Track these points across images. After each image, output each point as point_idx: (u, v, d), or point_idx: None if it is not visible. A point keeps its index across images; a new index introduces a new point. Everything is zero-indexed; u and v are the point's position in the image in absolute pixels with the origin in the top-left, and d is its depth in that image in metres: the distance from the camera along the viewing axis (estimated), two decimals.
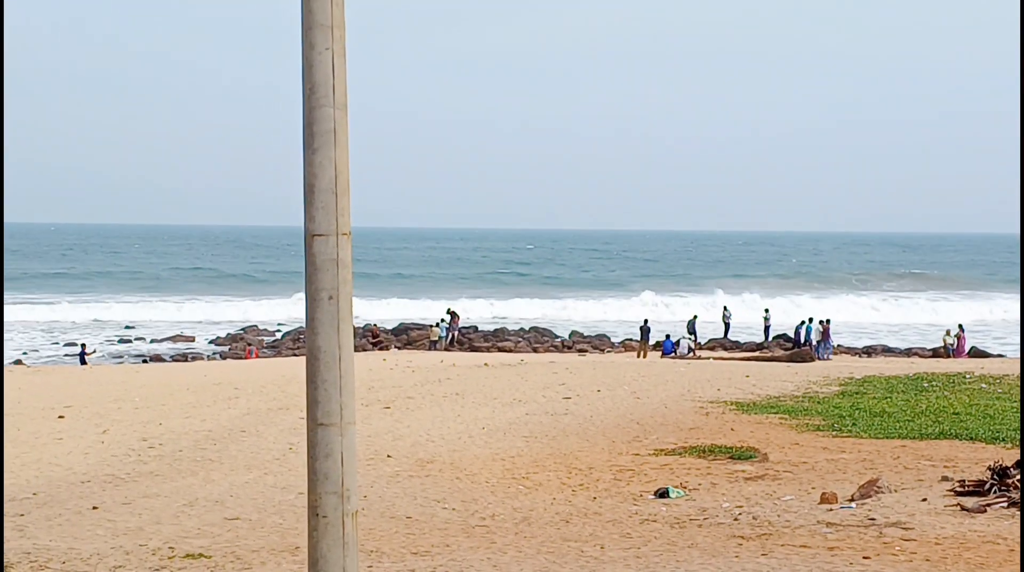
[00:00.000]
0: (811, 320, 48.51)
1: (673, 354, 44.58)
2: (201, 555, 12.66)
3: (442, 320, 54.38)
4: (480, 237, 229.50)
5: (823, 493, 14.89)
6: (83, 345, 46.88)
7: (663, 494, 15.78)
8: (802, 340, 47.02)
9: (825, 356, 44.82)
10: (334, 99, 5.39)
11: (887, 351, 52.17)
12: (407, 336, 54.95)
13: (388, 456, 19.20)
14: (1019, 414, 23.26)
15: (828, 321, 47.52)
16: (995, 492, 14.06)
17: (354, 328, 5.80)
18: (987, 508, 13.49)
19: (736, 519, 13.92)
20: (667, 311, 70.05)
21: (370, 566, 11.86)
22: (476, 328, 58.90)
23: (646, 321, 48.69)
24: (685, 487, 16.35)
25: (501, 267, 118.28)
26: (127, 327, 61.62)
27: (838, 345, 55.04)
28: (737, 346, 53.08)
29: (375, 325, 55.27)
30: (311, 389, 5.65)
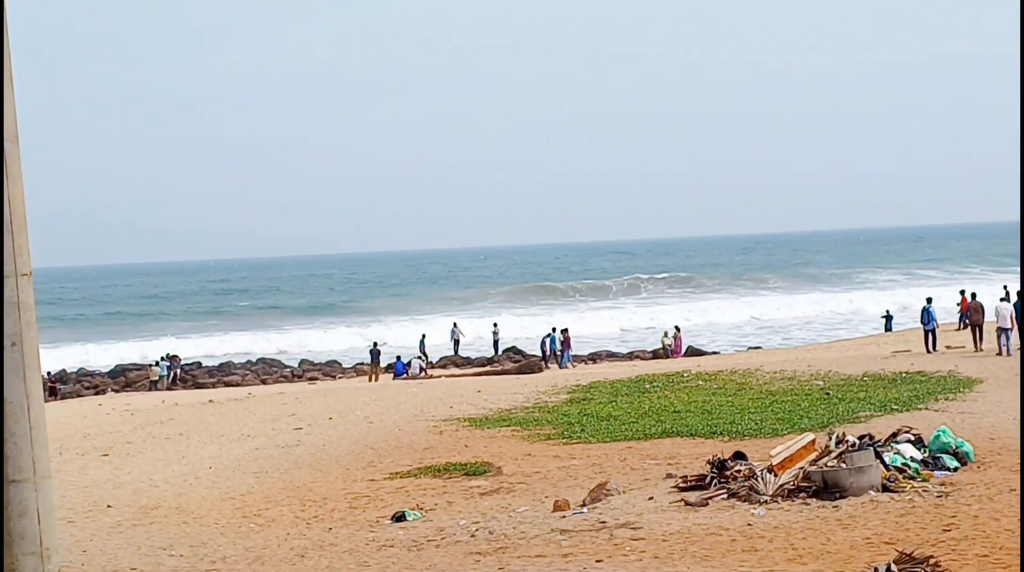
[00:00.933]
0: (554, 330, 49.41)
1: (405, 375, 44.54)
2: None
3: (163, 357, 52.68)
4: (184, 270, 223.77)
5: (556, 501, 15.08)
6: None
7: (400, 518, 15.64)
8: (547, 351, 47.73)
9: (568, 365, 45.72)
10: (2, 130, 5.00)
11: (611, 356, 53.70)
12: (124, 377, 52.93)
13: (108, 506, 18.32)
14: (733, 408, 24.30)
15: (566, 330, 48.49)
16: (715, 485, 14.57)
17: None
18: (709, 501, 13.96)
19: (473, 535, 13.90)
20: (398, 332, 70.04)
21: None
22: (200, 364, 57.36)
23: (375, 344, 48.50)
24: (422, 508, 16.26)
25: (218, 300, 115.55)
26: None
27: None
28: (468, 362, 53.56)
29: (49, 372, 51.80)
30: None
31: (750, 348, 53.44)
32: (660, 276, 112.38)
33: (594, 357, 53.88)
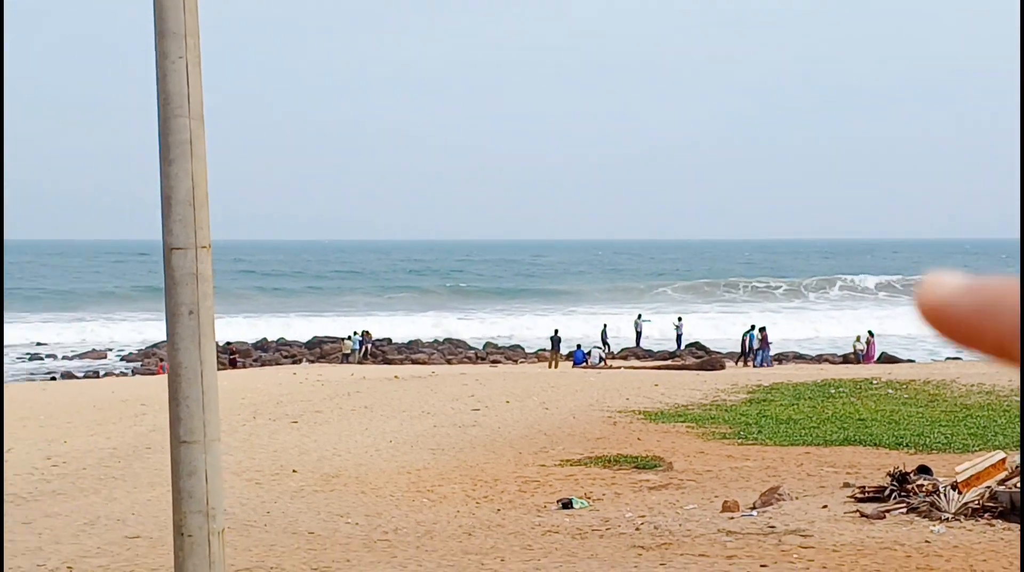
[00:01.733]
0: (753, 327, 48.88)
1: (584, 364, 44.67)
2: None
3: (355, 332, 54.04)
4: (383, 248, 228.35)
5: (725, 501, 14.96)
6: None
7: (567, 505, 15.75)
8: (746, 348, 47.21)
9: (766, 363, 45.25)
10: (189, 109, 5.25)
11: (798, 357, 52.80)
12: (320, 349, 54.56)
13: (293, 471, 18.97)
14: (923, 420, 23.63)
15: (764, 329, 47.92)
16: (895, 498, 14.22)
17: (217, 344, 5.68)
18: (886, 514, 13.63)
19: (638, 529, 13.93)
20: (582, 321, 70.26)
21: None
22: (390, 340, 58.65)
23: (556, 331, 48.77)
24: (589, 497, 16.34)
25: (410, 278, 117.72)
26: (38, 344, 60.42)
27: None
28: (649, 355, 53.39)
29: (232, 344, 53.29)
30: (173, 406, 5.50)
31: (948, 358, 51.82)
32: (857, 277, 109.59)
33: (779, 358, 53.05)
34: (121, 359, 54.86)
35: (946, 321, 0.54)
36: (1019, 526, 12.89)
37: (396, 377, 34.79)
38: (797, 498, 14.95)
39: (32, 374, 48.54)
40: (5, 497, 17.37)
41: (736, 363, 46.20)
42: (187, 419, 5.71)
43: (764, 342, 46.35)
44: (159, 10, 5.12)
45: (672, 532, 13.52)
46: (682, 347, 54.84)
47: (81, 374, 47.95)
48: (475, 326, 69.02)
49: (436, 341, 59.52)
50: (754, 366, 44.78)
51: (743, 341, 48.00)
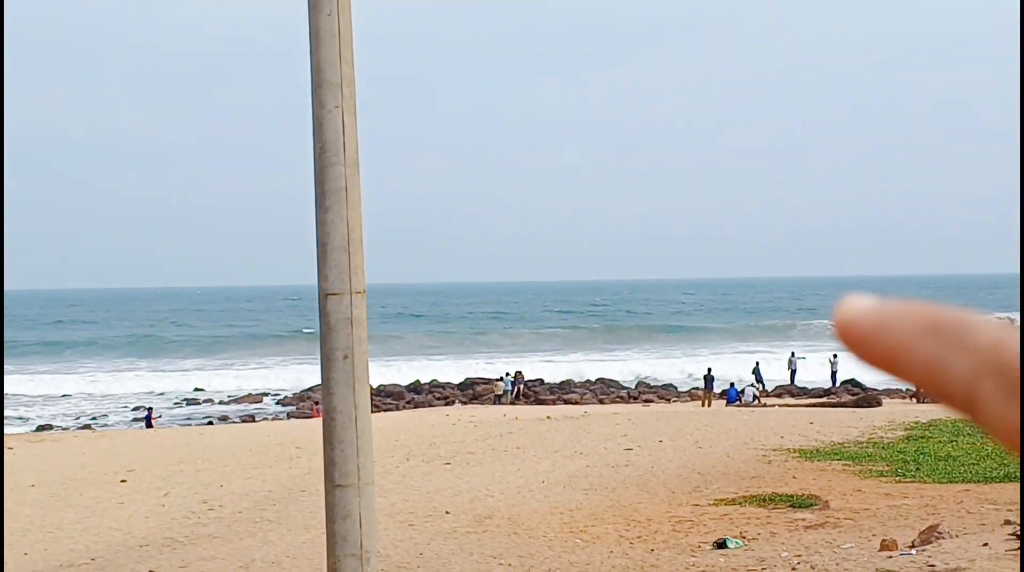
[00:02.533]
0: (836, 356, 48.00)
1: (738, 402, 44.17)
2: None
3: (507, 373, 54.35)
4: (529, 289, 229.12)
5: (883, 540, 14.61)
6: (149, 409, 47.37)
7: (721, 544, 15.56)
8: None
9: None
10: (344, 157, 5.40)
11: None
12: (472, 390, 55.02)
13: (446, 512, 19.12)
14: None
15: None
16: None
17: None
18: None
19: (794, 568, 13.68)
20: (733, 360, 69.49)
21: None
22: (542, 380, 58.82)
23: (710, 370, 48.33)
24: (744, 537, 16.11)
25: (556, 318, 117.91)
26: (196, 389, 62.18)
27: (907, 389, 54.34)
28: (804, 392, 52.57)
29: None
30: (328, 450, 5.62)
31: None
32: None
33: None
34: (276, 403, 56.11)
35: (868, 345, 0.56)
36: None
37: (548, 417, 34.86)
38: (957, 536, 14.52)
39: (189, 419, 49.95)
40: (162, 540, 17.88)
41: (911, 400, 45.36)
42: (341, 463, 5.82)
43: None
44: (316, 61, 5.30)
45: (829, 571, 13.26)
46: (837, 384, 53.85)
47: (237, 418, 49.14)
48: (627, 365, 68.83)
49: (588, 381, 59.52)
50: (923, 402, 43.86)
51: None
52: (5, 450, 30.48)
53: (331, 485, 5.77)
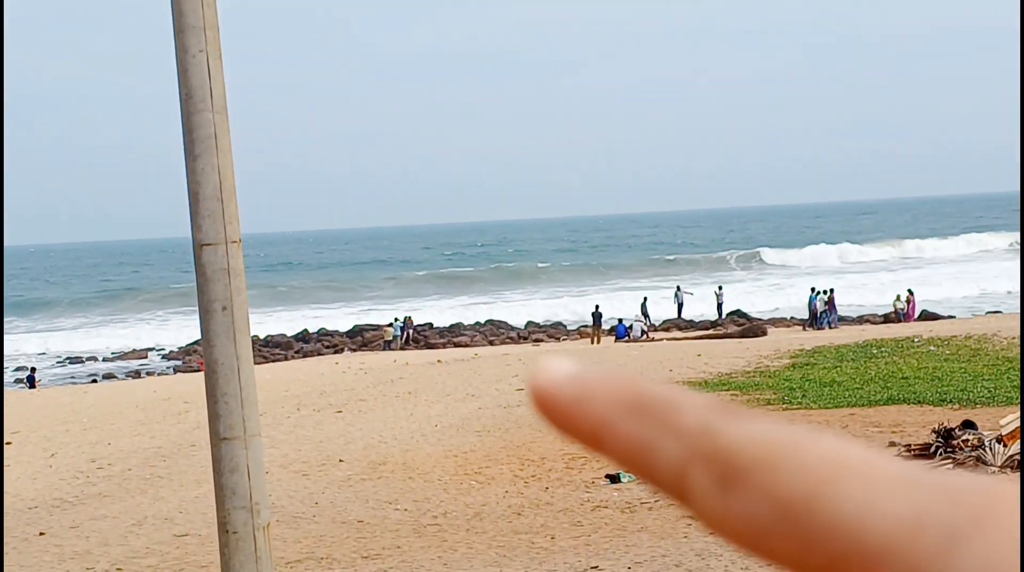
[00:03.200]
0: (813, 290, 48.96)
1: (627, 338, 44.61)
2: None
3: (396, 319, 54.21)
4: (413, 234, 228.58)
5: None
6: (32, 369, 46.34)
7: (615, 479, 15.72)
8: (813, 311, 47.48)
9: (832, 326, 45.39)
10: (212, 103, 5.23)
11: (840, 320, 52.50)
12: (361, 337, 54.77)
13: (340, 460, 19.04)
14: (966, 375, 23.45)
15: (832, 291, 48.07)
16: (940, 454, 14.13)
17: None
18: None
19: None
20: (620, 297, 70.14)
21: None
22: (431, 325, 58.77)
23: (597, 307, 48.71)
24: None
25: (447, 262, 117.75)
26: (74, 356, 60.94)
27: (791, 318, 55.45)
28: (691, 325, 53.28)
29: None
30: (211, 403, 5.49)
31: (989, 312, 51.40)
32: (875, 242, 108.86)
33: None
34: (162, 358, 55.26)
35: (567, 418, 0.50)
36: None
37: (439, 361, 34.85)
38: None
39: (73, 377, 48.97)
40: (51, 502, 17.54)
41: (804, 328, 46.38)
42: (226, 415, 5.70)
43: (830, 305, 46.47)
44: (177, 4, 5.11)
45: None
46: (724, 316, 54.69)
47: (123, 375, 48.32)
48: (515, 307, 69.10)
49: (477, 323, 59.61)
50: (817, 327, 45.01)
51: (809, 305, 48.06)
52: None
53: (216, 438, 5.65)
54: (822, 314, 46.28)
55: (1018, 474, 12.89)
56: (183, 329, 63.16)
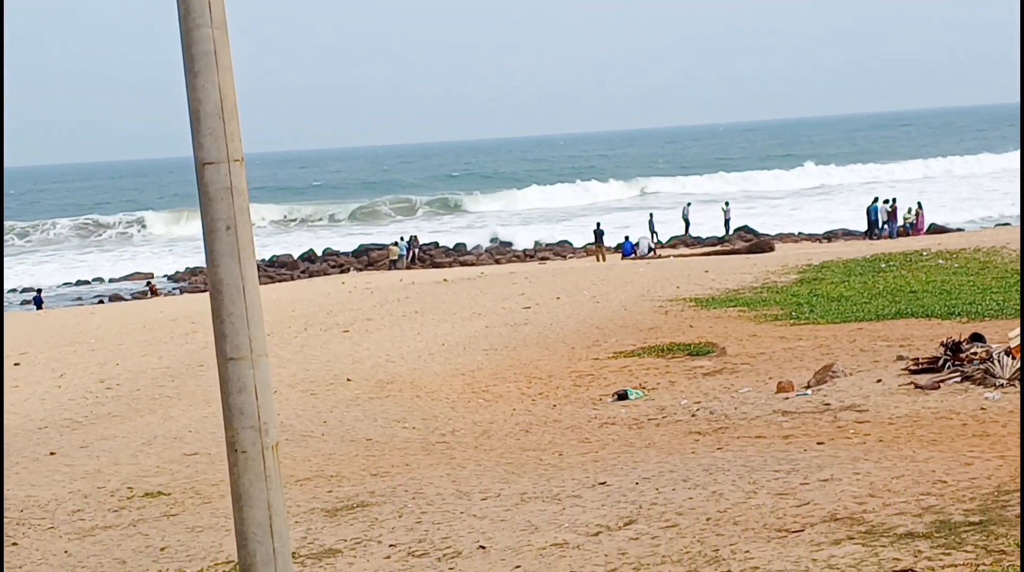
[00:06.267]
0: (876, 200, 48.84)
1: (633, 255, 44.54)
2: (160, 493, 12.59)
3: (401, 238, 54.12)
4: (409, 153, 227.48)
5: (779, 382, 14.91)
6: (39, 290, 46.42)
7: (622, 396, 15.76)
8: (872, 221, 47.38)
9: (893, 236, 45.45)
10: (211, 18, 5.12)
11: (847, 234, 52.35)
12: (367, 257, 54.73)
13: (348, 380, 19.10)
14: (974, 288, 23.39)
15: (895, 200, 48.01)
16: (949, 368, 14.09)
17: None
18: (940, 384, 13.52)
19: (694, 415, 13.92)
20: (620, 213, 69.92)
21: (330, 491, 11.79)
22: (437, 244, 58.69)
23: (599, 224, 48.56)
24: (644, 387, 16.34)
25: (449, 183, 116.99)
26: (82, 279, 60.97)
27: (799, 233, 55.28)
28: (698, 242, 53.15)
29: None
30: (217, 324, 5.45)
31: (997, 225, 51.22)
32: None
33: (829, 236, 52.66)
34: (168, 278, 55.28)
35: None
36: None
37: (445, 280, 34.86)
38: (851, 374, 14.85)
39: (80, 299, 49.03)
40: (61, 422, 17.62)
41: (865, 237, 46.59)
42: (232, 336, 5.66)
43: (893, 215, 46.50)
44: None
45: (728, 416, 13.50)
46: (731, 232, 54.53)
47: (129, 296, 48.36)
48: (522, 226, 68.95)
49: (483, 242, 59.54)
50: (876, 238, 45.17)
51: (868, 214, 47.91)
52: None
53: (223, 359, 5.63)
54: (884, 224, 46.38)
55: None
56: (191, 249, 63.26)
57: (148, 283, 48.00)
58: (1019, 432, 11.14)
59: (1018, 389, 12.84)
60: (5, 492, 12.99)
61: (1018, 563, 5.71)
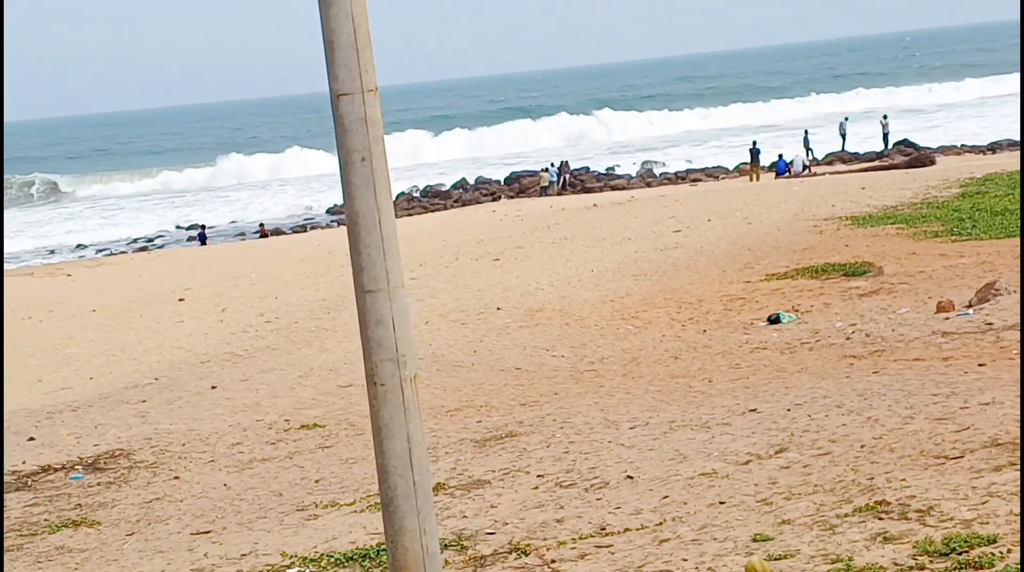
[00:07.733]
0: None
1: (787, 174, 43.68)
2: (316, 425, 12.85)
3: (552, 164, 53.99)
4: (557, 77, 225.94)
5: (939, 302, 14.44)
6: (203, 226, 47.69)
7: (774, 320, 15.48)
8: None
9: None
10: None
11: (1012, 145, 50.44)
12: (518, 184, 54.79)
13: (498, 309, 19.17)
14: None
15: None
16: None
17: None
18: None
19: (849, 338, 13.60)
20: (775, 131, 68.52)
21: (479, 421, 11.88)
22: (587, 169, 58.42)
23: (755, 142, 47.65)
24: (797, 310, 16.02)
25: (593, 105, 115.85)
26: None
27: (962, 145, 53.47)
28: (855, 158, 51.84)
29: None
30: (354, 256, 5.45)
31: None
32: None
33: (993, 147, 50.81)
34: (327, 211, 56.22)
35: None
36: None
37: (595, 205, 34.69)
38: (1015, 292, 14.29)
39: (241, 234, 50.23)
40: (222, 356, 18.10)
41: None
42: (369, 268, 5.66)
43: None
44: None
45: (884, 339, 13.15)
46: (890, 146, 53.03)
47: (289, 230, 49.34)
48: (673, 149, 68.18)
49: (633, 164, 59.05)
50: None
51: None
52: (65, 277, 30.90)
53: (361, 291, 5.62)
54: None
55: None
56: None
57: (260, 225, 48.65)
58: None
59: None
60: (169, 426, 13.41)
61: (1018, 564, 5.47)
